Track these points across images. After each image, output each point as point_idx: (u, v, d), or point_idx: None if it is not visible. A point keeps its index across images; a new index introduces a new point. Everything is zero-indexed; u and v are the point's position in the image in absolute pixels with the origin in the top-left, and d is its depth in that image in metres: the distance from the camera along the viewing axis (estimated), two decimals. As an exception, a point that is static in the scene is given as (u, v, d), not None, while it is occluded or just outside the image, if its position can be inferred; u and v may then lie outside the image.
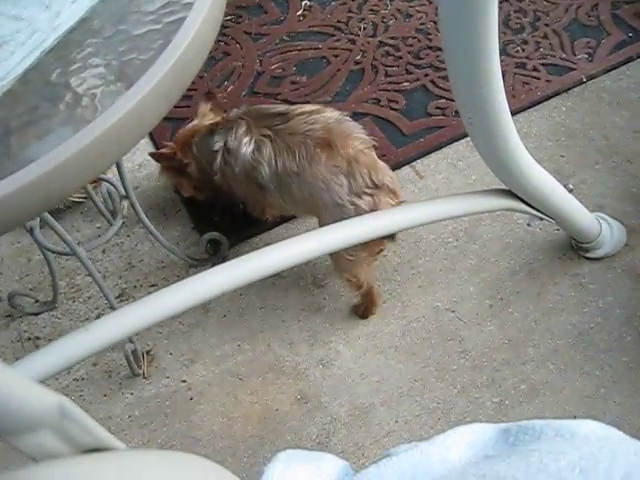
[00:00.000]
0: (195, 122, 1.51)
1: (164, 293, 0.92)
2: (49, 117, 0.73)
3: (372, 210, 1.25)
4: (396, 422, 1.32)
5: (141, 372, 1.43)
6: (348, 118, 1.35)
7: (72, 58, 0.79)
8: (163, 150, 1.50)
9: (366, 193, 1.26)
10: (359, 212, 1.25)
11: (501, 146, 1.06)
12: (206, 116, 1.50)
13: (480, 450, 0.60)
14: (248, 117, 1.39)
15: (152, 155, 1.53)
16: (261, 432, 1.34)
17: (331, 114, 1.33)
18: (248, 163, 1.36)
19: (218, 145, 1.41)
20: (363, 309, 1.45)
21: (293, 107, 1.38)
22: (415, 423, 1.31)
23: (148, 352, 1.46)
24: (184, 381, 1.42)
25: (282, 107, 1.39)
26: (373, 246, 1.30)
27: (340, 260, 1.34)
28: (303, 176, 1.29)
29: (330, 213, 1.28)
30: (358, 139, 1.30)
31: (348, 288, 1.43)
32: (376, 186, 1.26)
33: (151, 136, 1.84)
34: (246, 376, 1.41)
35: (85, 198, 1.65)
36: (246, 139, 1.36)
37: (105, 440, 0.39)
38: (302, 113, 1.33)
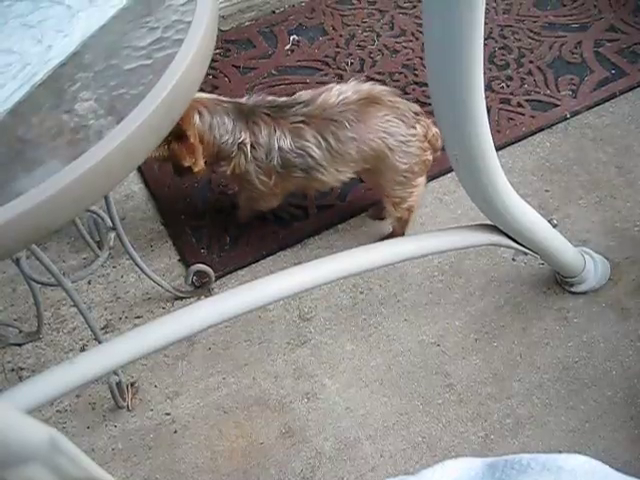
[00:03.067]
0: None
1: (150, 327, 0.92)
2: (38, 150, 0.74)
3: (427, 132, 1.45)
4: (381, 456, 1.31)
5: (125, 404, 1.41)
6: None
7: (63, 92, 0.80)
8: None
9: (417, 121, 1.45)
10: (419, 139, 1.44)
11: (486, 183, 1.07)
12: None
13: (466, 486, 0.60)
14: (266, 109, 1.43)
15: None
16: (245, 466, 1.33)
17: (348, 85, 1.46)
18: (290, 154, 1.42)
19: (243, 137, 1.42)
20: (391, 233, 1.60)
21: (301, 94, 1.47)
22: (400, 457, 1.31)
23: (132, 384, 1.45)
24: (168, 414, 1.41)
25: (290, 98, 1.47)
26: (424, 159, 1.47)
27: (391, 182, 1.48)
28: (361, 136, 1.41)
29: (397, 153, 1.43)
30: (389, 92, 1.47)
31: (391, 214, 1.54)
32: (417, 114, 1.46)
33: (139, 169, 1.84)
34: (231, 409, 1.41)
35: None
36: (278, 133, 1.41)
37: (95, 474, 0.39)
38: (320, 93, 1.44)
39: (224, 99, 1.48)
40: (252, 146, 1.43)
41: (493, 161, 1.03)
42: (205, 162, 1.47)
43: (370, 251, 1.04)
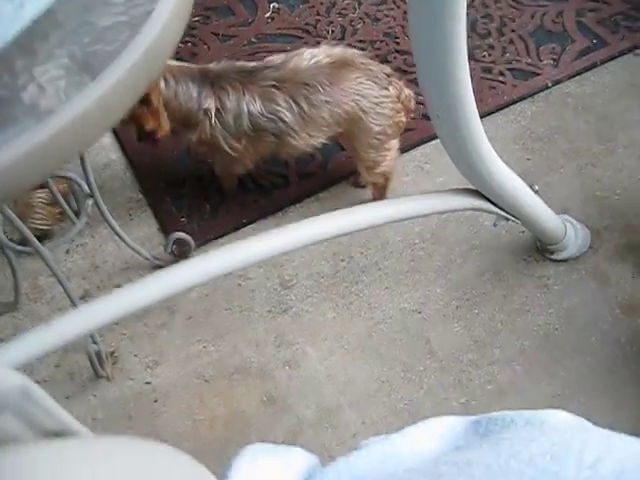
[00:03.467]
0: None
1: (130, 288, 0.91)
2: (11, 107, 0.71)
3: (400, 93, 1.46)
4: (363, 423, 1.32)
5: (105, 374, 1.40)
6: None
7: (36, 49, 0.77)
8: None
9: (390, 83, 1.45)
10: (392, 100, 1.44)
11: (467, 140, 1.06)
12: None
13: (450, 441, 0.59)
14: (235, 75, 1.42)
15: None
16: (227, 434, 1.32)
17: (319, 48, 1.46)
18: (260, 118, 1.41)
19: (208, 103, 1.41)
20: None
21: (271, 58, 1.46)
22: (382, 424, 1.31)
23: (112, 353, 1.43)
24: (148, 383, 1.40)
25: (260, 63, 1.46)
26: (397, 121, 1.47)
27: (364, 146, 1.47)
28: (334, 99, 1.41)
29: (371, 115, 1.43)
30: (361, 55, 1.47)
31: (365, 178, 1.56)
32: (389, 75, 1.46)
33: (117, 137, 1.81)
34: (212, 378, 1.40)
35: (50, 225, 1.60)
36: (247, 97, 1.40)
37: (70, 425, 0.38)
38: (292, 57, 1.43)
39: (192, 65, 1.47)
40: (218, 111, 1.42)
41: (475, 117, 1.02)
42: (172, 129, 1.46)
43: (351, 214, 1.04)
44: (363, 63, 1.44)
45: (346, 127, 1.45)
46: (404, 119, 1.50)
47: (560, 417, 0.56)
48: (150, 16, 0.78)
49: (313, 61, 1.42)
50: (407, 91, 1.48)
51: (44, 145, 0.66)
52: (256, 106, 1.41)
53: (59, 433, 0.38)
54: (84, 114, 0.68)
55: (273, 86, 1.41)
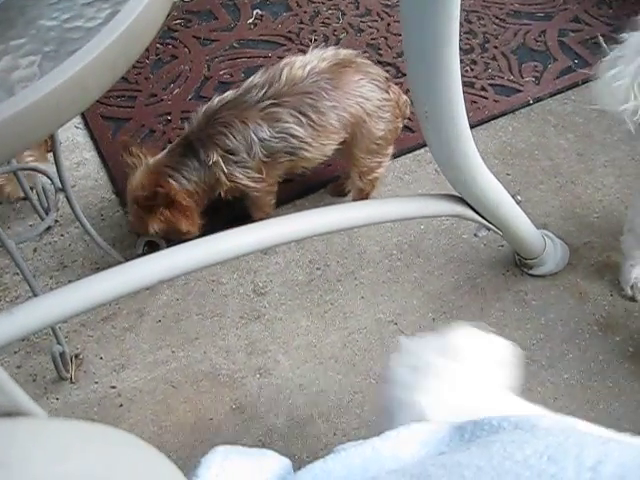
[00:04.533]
0: (136, 171, 1.41)
1: (98, 277, 0.87)
2: (-17, 81, 0.68)
3: (398, 98, 1.45)
4: (334, 435, 1.28)
5: (69, 376, 1.35)
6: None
7: (12, 23, 0.74)
8: (142, 193, 1.38)
9: (389, 87, 1.43)
10: (392, 104, 1.42)
11: (454, 140, 1.04)
12: (142, 160, 1.41)
13: (434, 448, 0.56)
14: (225, 112, 1.36)
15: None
16: (193, 442, 1.28)
17: (309, 54, 1.41)
18: (272, 141, 1.36)
19: (215, 156, 1.35)
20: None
21: (253, 78, 1.40)
22: (354, 436, 1.27)
23: (77, 355, 1.38)
24: (114, 387, 1.35)
25: (242, 86, 1.40)
26: (396, 126, 1.46)
27: (363, 151, 1.44)
28: (340, 103, 1.37)
29: (374, 118, 1.40)
30: (356, 54, 1.45)
31: (355, 184, 1.51)
32: (387, 79, 1.45)
33: (91, 135, 1.77)
34: (179, 384, 1.36)
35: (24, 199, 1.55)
36: (252, 126, 1.34)
37: (24, 405, 0.34)
38: (281, 70, 1.37)
39: (173, 145, 1.41)
40: (225, 157, 1.36)
41: (462, 119, 1.00)
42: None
43: (329, 213, 1.00)
44: (363, 63, 1.42)
45: (351, 131, 1.41)
46: (401, 125, 1.48)
47: (551, 420, 0.53)
48: (133, -4, 0.75)
49: (308, 68, 1.37)
50: (404, 97, 1.47)
51: (15, 119, 0.62)
52: (264, 131, 1.35)
53: (12, 412, 0.34)
54: (58, 90, 0.65)
55: (273, 104, 1.35)
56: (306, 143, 1.37)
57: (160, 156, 1.40)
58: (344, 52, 1.43)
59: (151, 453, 0.39)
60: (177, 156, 1.38)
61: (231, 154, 1.36)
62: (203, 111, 1.40)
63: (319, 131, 1.37)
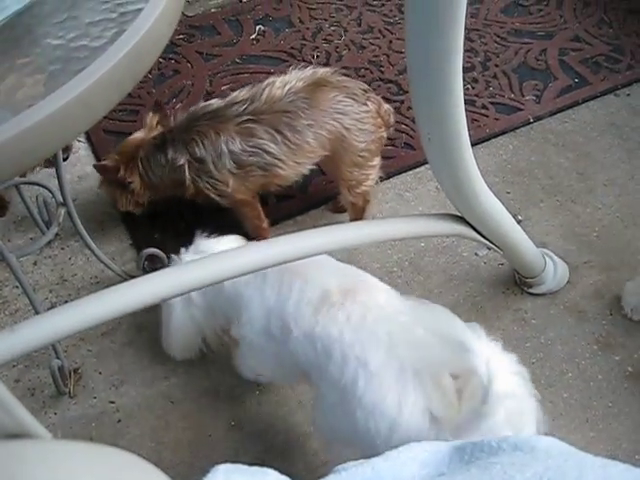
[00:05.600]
0: (140, 134, 1.47)
1: (101, 295, 0.87)
2: (-11, 98, 0.68)
3: (379, 108, 1.46)
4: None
5: (67, 391, 1.35)
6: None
7: (18, 41, 0.74)
8: (107, 162, 1.45)
9: (368, 98, 1.44)
10: (372, 115, 1.43)
11: (457, 163, 1.05)
12: (152, 129, 1.47)
13: (434, 469, 0.56)
14: (202, 121, 1.40)
15: (96, 167, 1.48)
16: (191, 459, 1.27)
17: (289, 74, 1.44)
18: (243, 154, 1.39)
19: (181, 160, 1.40)
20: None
21: (236, 94, 1.44)
22: (351, 453, 1.26)
23: (76, 370, 1.38)
24: (112, 402, 1.35)
25: (226, 99, 1.44)
26: (379, 136, 1.47)
27: (349, 165, 1.46)
28: (317, 121, 1.39)
29: (354, 132, 1.42)
30: (334, 72, 1.47)
31: (346, 198, 1.52)
32: (366, 91, 1.46)
33: (93, 149, 1.78)
34: (178, 400, 1.35)
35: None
36: (223, 137, 1.38)
37: (30, 427, 0.34)
38: (263, 89, 1.41)
39: (156, 134, 1.46)
40: (191, 164, 1.41)
41: (465, 141, 1.01)
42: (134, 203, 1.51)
43: (331, 232, 1.01)
44: (338, 80, 1.44)
45: (331, 148, 1.43)
46: (385, 135, 1.49)
47: (550, 442, 0.54)
48: (139, 15, 0.76)
49: (287, 87, 1.40)
50: (386, 105, 1.48)
51: (21, 137, 0.62)
52: (236, 144, 1.38)
53: (19, 434, 0.35)
54: (64, 109, 0.65)
55: (250, 120, 1.38)
56: (280, 160, 1.41)
57: (148, 137, 1.47)
58: (321, 71, 1.45)
59: (155, 475, 0.39)
60: (152, 147, 1.44)
61: (198, 162, 1.41)
62: (188, 113, 1.45)
63: (294, 149, 1.40)
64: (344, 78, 1.46)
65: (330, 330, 1.03)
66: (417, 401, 0.94)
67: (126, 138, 1.50)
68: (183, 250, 1.28)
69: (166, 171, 1.43)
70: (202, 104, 1.45)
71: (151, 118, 1.48)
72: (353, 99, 1.42)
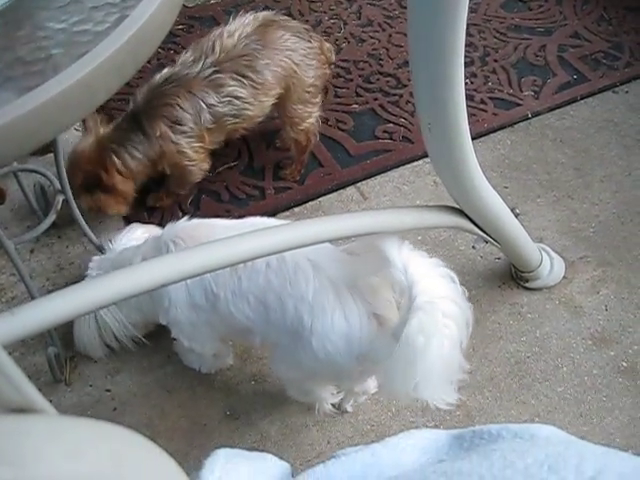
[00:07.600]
0: (90, 138, 1.45)
1: (102, 280, 0.87)
2: (-9, 81, 0.68)
3: (321, 45, 1.58)
4: (328, 443, 1.28)
5: (63, 378, 1.35)
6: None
7: (20, 25, 0.74)
8: (83, 177, 1.44)
9: (311, 36, 1.55)
10: (316, 52, 1.54)
11: (457, 154, 1.05)
12: (99, 128, 1.46)
13: (434, 455, 0.57)
14: (170, 86, 1.44)
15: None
16: (186, 447, 1.28)
17: (232, 24, 1.50)
18: (218, 106, 1.45)
19: (162, 127, 1.43)
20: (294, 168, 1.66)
21: (182, 56, 1.50)
22: (347, 445, 1.28)
23: (72, 358, 1.38)
24: (108, 390, 1.35)
25: (176, 65, 1.49)
26: (323, 72, 1.57)
27: (295, 101, 1.54)
28: (272, 59, 1.47)
29: (302, 67, 1.51)
30: (275, 13, 1.57)
31: (288, 135, 1.60)
32: (308, 30, 1.56)
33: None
34: (174, 388, 1.35)
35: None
36: (200, 94, 1.43)
37: (36, 402, 0.34)
38: (212, 42, 1.46)
39: (119, 120, 1.48)
40: (172, 128, 1.44)
41: (466, 134, 1.01)
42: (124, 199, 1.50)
43: (329, 222, 1.01)
44: (282, 20, 1.52)
45: (285, 84, 1.50)
46: (328, 71, 1.59)
47: (550, 430, 0.54)
48: (142, 0, 0.75)
49: (237, 34, 1.46)
50: (327, 44, 1.59)
51: (23, 119, 0.62)
52: (212, 97, 1.44)
53: (25, 409, 0.35)
54: (66, 92, 0.65)
55: (214, 72, 1.43)
56: (248, 103, 1.47)
57: (108, 130, 1.46)
58: (264, 13, 1.53)
59: (157, 453, 0.40)
60: (122, 131, 1.45)
61: (178, 124, 1.44)
62: (146, 87, 1.48)
63: (258, 89, 1.47)
64: (287, 18, 1.56)
65: (257, 281, 1.07)
66: (360, 309, 1.03)
67: (71, 153, 1.45)
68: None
69: (146, 147, 1.44)
70: (157, 76, 1.48)
71: (94, 119, 1.46)
72: (298, 37, 1.51)
